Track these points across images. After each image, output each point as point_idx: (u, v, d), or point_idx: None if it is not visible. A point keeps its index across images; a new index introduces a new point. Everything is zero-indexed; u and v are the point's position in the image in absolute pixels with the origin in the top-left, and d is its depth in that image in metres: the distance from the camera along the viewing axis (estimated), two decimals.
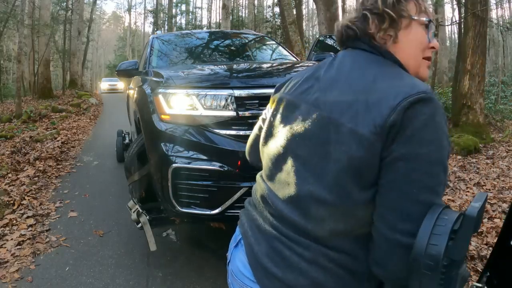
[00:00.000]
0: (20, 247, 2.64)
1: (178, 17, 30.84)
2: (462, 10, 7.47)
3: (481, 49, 6.39)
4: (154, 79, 2.23)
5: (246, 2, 30.14)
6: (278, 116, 0.80)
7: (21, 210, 3.32)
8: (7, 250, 2.58)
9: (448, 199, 3.58)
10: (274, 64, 2.72)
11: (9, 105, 13.41)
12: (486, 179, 4.21)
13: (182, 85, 2.00)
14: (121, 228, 2.97)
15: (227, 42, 3.69)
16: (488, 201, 3.37)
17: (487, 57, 12.22)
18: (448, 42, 27.20)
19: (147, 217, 2.10)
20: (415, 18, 0.73)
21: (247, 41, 3.75)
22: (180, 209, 1.88)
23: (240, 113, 1.89)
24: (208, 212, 1.86)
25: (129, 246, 2.66)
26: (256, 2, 28.04)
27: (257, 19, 24.91)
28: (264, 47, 3.70)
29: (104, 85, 23.51)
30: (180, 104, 1.95)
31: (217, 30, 9.21)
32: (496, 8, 24.56)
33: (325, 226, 0.68)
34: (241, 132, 1.88)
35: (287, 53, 3.49)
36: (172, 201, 1.88)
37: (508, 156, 5.30)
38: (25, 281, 2.23)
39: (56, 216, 3.24)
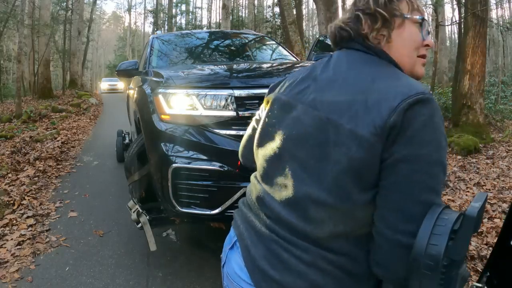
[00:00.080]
0: (20, 247, 2.64)
1: (178, 17, 30.86)
2: (462, 10, 7.47)
3: (481, 49, 6.39)
4: (154, 79, 2.23)
5: (246, 2, 30.15)
6: (273, 117, 0.80)
7: (21, 210, 3.32)
8: (7, 250, 2.58)
9: (448, 199, 3.58)
10: (274, 64, 2.72)
11: (9, 105, 13.41)
12: (486, 179, 4.21)
13: (182, 85, 2.00)
14: (121, 228, 2.97)
15: (227, 42, 3.69)
16: (488, 201, 3.37)
17: (487, 57, 12.22)
18: (448, 42, 27.21)
19: (147, 217, 2.10)
20: (408, 16, 0.73)
21: (247, 41, 3.75)
22: (180, 209, 1.88)
23: (240, 113, 1.89)
24: (208, 212, 1.86)
25: (129, 246, 2.66)
26: (256, 2, 28.04)
27: (257, 19, 24.92)
28: (264, 47, 3.70)
29: (104, 85, 23.51)
30: (180, 104, 1.95)
31: (217, 30, 9.21)
32: (496, 8, 24.58)
33: (324, 228, 0.67)
34: (241, 132, 1.88)
35: (287, 53, 3.49)
36: (172, 201, 1.88)
37: (508, 156, 5.30)
38: (25, 281, 2.23)
39: (56, 216, 3.24)
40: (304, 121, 0.71)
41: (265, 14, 27.02)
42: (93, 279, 2.25)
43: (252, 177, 0.87)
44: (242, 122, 1.90)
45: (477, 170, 4.65)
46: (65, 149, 6.02)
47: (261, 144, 0.82)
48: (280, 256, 0.70)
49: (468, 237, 0.59)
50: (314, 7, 7.86)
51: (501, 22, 14.95)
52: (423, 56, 0.78)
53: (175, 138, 1.91)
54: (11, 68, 23.28)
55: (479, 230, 2.02)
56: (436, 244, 0.56)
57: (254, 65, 2.62)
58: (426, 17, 0.77)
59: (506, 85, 14.10)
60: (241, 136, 1.85)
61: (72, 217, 3.22)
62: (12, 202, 3.45)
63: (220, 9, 18.03)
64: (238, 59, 3.39)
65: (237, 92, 1.91)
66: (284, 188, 0.72)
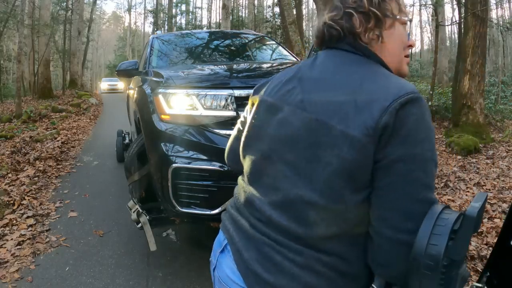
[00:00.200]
0: (20, 247, 2.64)
1: (178, 17, 30.85)
2: (462, 10, 7.47)
3: (481, 49, 6.39)
4: (154, 79, 2.23)
5: (246, 2, 30.15)
6: (260, 119, 0.79)
7: (21, 210, 3.32)
8: (7, 250, 2.58)
9: (448, 199, 3.58)
10: (274, 64, 2.72)
11: (9, 105, 13.41)
12: (486, 179, 4.21)
13: (182, 85, 2.00)
14: (121, 228, 2.97)
15: (227, 42, 3.69)
16: (488, 201, 3.37)
17: (487, 57, 12.23)
18: (448, 42, 27.21)
19: (147, 217, 2.10)
20: (398, 17, 0.74)
21: (247, 41, 3.75)
22: (180, 209, 1.88)
23: (240, 113, 1.89)
24: (208, 212, 1.86)
25: (129, 246, 2.66)
26: (256, 2, 28.04)
27: (257, 19, 24.91)
28: (264, 47, 3.70)
29: (104, 85, 23.50)
30: (180, 104, 1.95)
31: (217, 30, 9.21)
32: (496, 8, 24.57)
33: (316, 229, 0.67)
34: None
35: (287, 53, 3.49)
36: (172, 201, 1.88)
37: (508, 156, 5.30)
38: (25, 281, 2.23)
39: (56, 216, 3.24)
40: (292, 122, 0.70)
41: (265, 14, 27.02)
42: (93, 279, 2.25)
43: (239, 179, 0.86)
44: None
45: (477, 170, 4.64)
46: (65, 149, 6.02)
47: (248, 146, 0.81)
48: (273, 259, 0.70)
49: (468, 237, 0.59)
50: (314, 7, 7.86)
51: (501, 22, 14.96)
52: (407, 56, 0.79)
53: (175, 138, 1.91)
54: (11, 68, 23.28)
55: (479, 230, 2.02)
56: (436, 244, 0.56)
57: (254, 65, 2.63)
58: (411, 19, 0.79)
59: (506, 85, 14.10)
60: None
61: (72, 217, 3.22)
62: (12, 202, 3.45)
63: (220, 9, 18.03)
64: (238, 59, 3.39)
65: (237, 92, 1.91)
66: (275, 191, 0.72)
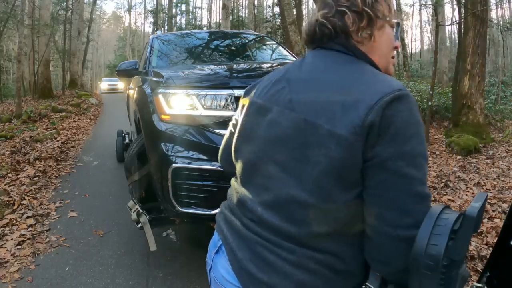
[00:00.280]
0: (20, 247, 2.64)
1: (178, 17, 30.83)
2: (462, 10, 7.47)
3: (481, 49, 6.39)
4: (154, 79, 2.23)
5: (246, 2, 30.15)
6: (250, 121, 0.80)
7: (21, 210, 3.32)
8: (7, 250, 2.58)
9: (448, 199, 3.58)
10: (274, 64, 2.72)
11: (9, 105, 13.41)
12: (486, 179, 4.21)
13: (182, 85, 2.00)
14: (121, 228, 2.97)
15: (227, 42, 3.69)
16: (488, 201, 3.37)
17: (487, 57, 12.23)
18: (448, 42, 27.21)
19: (147, 217, 2.10)
20: (388, 19, 0.75)
21: (247, 41, 3.75)
22: (180, 209, 1.88)
23: None
24: (208, 212, 1.86)
25: (129, 246, 2.66)
26: (256, 2, 28.04)
27: (257, 19, 24.91)
28: (264, 47, 3.70)
29: (104, 85, 23.49)
30: (180, 104, 1.95)
31: (217, 30, 9.21)
32: (496, 8, 24.57)
33: (308, 228, 0.68)
34: None
35: (287, 53, 3.49)
36: (172, 201, 1.88)
37: (508, 156, 5.30)
38: (25, 281, 2.23)
39: (56, 216, 3.24)
40: (281, 123, 0.71)
41: (265, 14, 27.02)
42: (93, 279, 2.25)
43: (232, 181, 0.87)
44: None
45: (477, 170, 4.65)
46: (65, 149, 6.02)
47: (239, 147, 0.82)
48: (266, 258, 0.70)
49: (468, 237, 0.59)
50: (314, 7, 7.85)
51: (501, 22, 14.96)
52: (393, 57, 0.82)
53: (175, 138, 1.91)
54: (11, 68, 23.28)
55: (479, 230, 2.02)
56: (436, 244, 0.56)
57: (254, 65, 2.63)
58: (400, 21, 0.80)
59: (506, 85, 14.10)
60: None
61: (72, 217, 3.22)
62: (12, 202, 3.45)
63: (220, 9, 18.03)
64: (238, 59, 3.39)
65: (237, 92, 1.91)
66: (266, 191, 0.72)
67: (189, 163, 1.86)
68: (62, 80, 20.21)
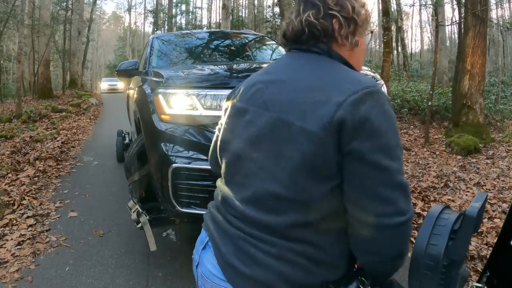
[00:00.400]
0: (20, 247, 2.64)
1: (178, 17, 30.81)
2: (462, 10, 7.47)
3: (481, 49, 6.39)
4: (154, 79, 2.23)
5: (246, 2, 30.13)
6: (230, 123, 0.85)
7: (21, 210, 3.32)
8: (7, 250, 2.58)
9: (448, 199, 3.58)
10: None
11: (9, 105, 13.40)
12: (486, 179, 4.21)
13: (182, 85, 2.00)
14: (121, 228, 2.96)
15: (227, 42, 3.69)
16: (488, 201, 3.37)
17: (487, 57, 12.22)
18: (448, 42, 27.20)
19: (147, 217, 2.10)
20: (366, 27, 0.81)
21: (247, 41, 3.75)
22: (180, 209, 1.88)
23: None
24: None
25: (129, 246, 2.66)
26: (256, 2, 28.03)
27: (257, 19, 24.90)
28: (264, 47, 3.70)
29: (104, 85, 23.48)
30: (180, 104, 1.95)
31: (217, 30, 9.21)
32: (496, 8, 24.54)
33: (286, 219, 0.70)
34: None
35: None
36: (172, 201, 1.88)
37: (508, 156, 5.30)
38: (25, 281, 2.23)
39: (56, 216, 3.24)
40: (257, 122, 0.75)
41: (265, 14, 27.00)
42: (93, 279, 2.25)
43: (218, 181, 0.91)
44: None
45: (477, 170, 4.64)
46: (65, 149, 6.02)
47: (222, 149, 0.87)
48: (248, 251, 0.73)
49: (468, 237, 0.59)
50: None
51: (501, 22, 14.95)
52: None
53: (175, 138, 1.91)
54: (11, 68, 23.27)
55: (479, 230, 2.02)
56: (436, 244, 0.57)
57: (254, 65, 2.62)
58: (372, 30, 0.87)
59: (506, 85, 14.10)
60: None
61: (72, 217, 3.22)
62: (12, 202, 3.45)
63: (220, 9, 18.02)
64: (238, 59, 3.39)
65: None
66: (244, 188, 0.76)
67: (189, 163, 1.86)
68: (62, 80, 20.21)
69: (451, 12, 34.07)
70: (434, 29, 10.83)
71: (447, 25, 22.80)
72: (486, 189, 3.89)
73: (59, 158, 5.33)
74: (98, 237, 2.81)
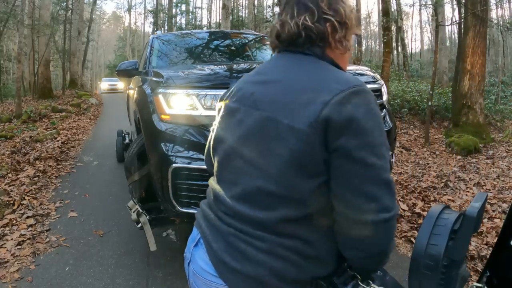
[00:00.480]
0: (20, 247, 2.64)
1: (178, 17, 30.80)
2: (462, 10, 7.47)
3: (481, 49, 6.39)
4: (154, 79, 2.23)
5: (246, 2, 30.13)
6: (222, 123, 0.87)
7: (21, 210, 3.32)
8: (7, 250, 2.58)
9: (448, 199, 3.58)
10: None
11: (9, 105, 13.40)
12: (486, 179, 4.21)
13: (182, 85, 2.00)
14: (121, 228, 2.96)
15: (227, 42, 3.69)
16: (488, 201, 3.37)
17: (487, 57, 12.22)
18: (448, 42, 27.19)
19: (147, 217, 2.10)
20: (355, 30, 0.83)
21: (247, 41, 3.75)
22: (180, 209, 1.88)
23: None
24: None
25: (129, 246, 2.66)
26: (256, 2, 28.02)
27: (257, 19, 24.89)
28: (264, 47, 3.70)
29: (104, 85, 23.47)
30: (180, 104, 1.95)
31: (217, 30, 9.21)
32: (496, 8, 24.54)
33: (276, 213, 0.72)
34: None
35: None
36: (172, 201, 1.88)
37: (508, 156, 5.30)
38: (25, 281, 2.23)
39: (56, 216, 3.24)
40: (247, 121, 0.77)
41: (265, 14, 27.00)
42: (93, 279, 2.25)
43: (210, 180, 0.93)
44: None
45: (477, 170, 4.65)
46: (65, 149, 6.02)
47: (215, 148, 0.89)
48: (239, 247, 0.75)
49: (468, 237, 0.59)
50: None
51: (501, 22, 14.94)
52: None
53: (175, 138, 1.91)
54: (11, 68, 23.27)
55: (479, 230, 2.02)
56: (436, 244, 0.57)
57: (254, 65, 2.62)
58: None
59: (506, 85, 14.10)
60: None
61: (72, 217, 3.22)
62: (12, 202, 3.45)
63: (220, 9, 18.02)
64: (238, 59, 3.39)
65: None
66: (235, 185, 0.78)
67: (189, 163, 1.86)
68: (62, 80, 20.20)
69: (451, 12, 34.06)
70: (434, 29, 10.83)
71: (447, 25, 22.80)
72: (486, 189, 3.89)
73: (59, 158, 5.33)
74: (98, 237, 2.81)
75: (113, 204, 3.54)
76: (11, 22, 12.65)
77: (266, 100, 0.76)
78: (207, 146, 1.00)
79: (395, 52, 20.42)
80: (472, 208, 0.58)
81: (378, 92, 2.27)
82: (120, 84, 21.12)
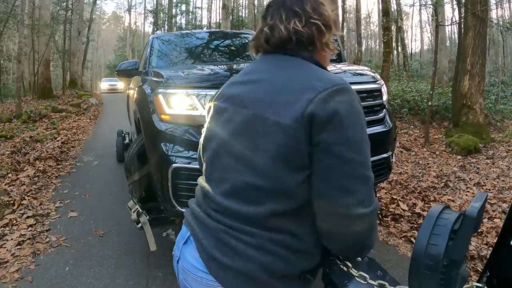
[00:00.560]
0: (20, 247, 2.64)
1: (178, 17, 30.79)
2: (462, 10, 7.47)
3: (481, 49, 6.39)
4: (154, 79, 2.23)
5: (246, 2, 30.14)
6: (212, 122, 0.89)
7: (21, 210, 3.32)
8: (7, 250, 2.58)
9: (448, 199, 3.58)
10: None
11: (9, 105, 13.40)
12: (486, 179, 4.21)
13: (182, 85, 2.00)
14: (121, 228, 2.97)
15: (227, 42, 3.69)
16: (488, 201, 3.37)
17: (487, 57, 12.22)
18: (448, 42, 27.19)
19: (147, 217, 2.10)
20: (335, 31, 0.86)
21: (247, 41, 3.75)
22: (180, 209, 1.88)
23: None
24: None
25: (129, 246, 2.67)
26: (256, 2, 28.02)
27: (257, 19, 24.90)
28: None
29: (104, 85, 23.48)
30: (180, 104, 1.95)
31: (217, 30, 9.21)
32: (496, 8, 24.54)
33: (265, 208, 0.74)
34: None
35: None
36: (172, 201, 1.88)
37: (508, 156, 5.30)
38: (25, 281, 2.23)
39: (56, 216, 3.24)
40: (235, 120, 0.80)
41: None
42: (93, 279, 2.25)
43: (199, 179, 0.94)
44: None
45: (477, 170, 4.65)
46: (65, 149, 6.02)
47: (204, 147, 0.91)
48: (229, 243, 0.76)
49: (468, 237, 0.59)
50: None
51: (501, 22, 14.95)
52: None
53: (175, 138, 1.91)
54: (11, 68, 23.27)
55: (479, 230, 2.02)
56: (436, 244, 0.57)
57: None
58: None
59: (506, 85, 14.11)
60: None
61: (72, 217, 3.22)
62: (12, 202, 3.45)
63: (220, 9, 18.02)
64: (238, 59, 3.39)
65: None
66: (223, 182, 0.80)
67: (189, 163, 1.86)
68: (62, 80, 20.20)
69: (451, 12, 34.04)
70: (434, 29, 10.84)
71: (447, 25, 22.81)
72: (486, 189, 3.89)
73: (59, 158, 5.34)
74: (98, 237, 2.81)
75: (113, 204, 3.54)
76: (11, 22, 12.65)
77: (253, 99, 0.79)
78: (199, 147, 1.01)
79: (395, 52, 20.42)
80: (472, 208, 0.58)
81: (378, 92, 2.27)
82: (120, 84, 21.13)
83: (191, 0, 34.70)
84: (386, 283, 0.73)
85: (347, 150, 0.69)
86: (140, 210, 2.10)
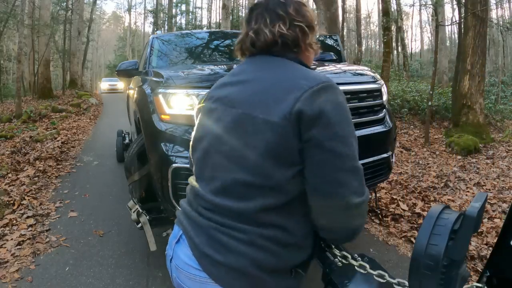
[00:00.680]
0: (20, 247, 2.64)
1: (178, 17, 30.80)
2: (462, 10, 7.47)
3: (481, 49, 6.39)
4: (154, 79, 2.23)
5: (246, 2, 30.13)
6: (201, 123, 0.92)
7: (21, 210, 3.32)
8: (7, 250, 2.58)
9: (448, 199, 3.58)
10: None
11: (9, 105, 13.40)
12: (486, 179, 4.21)
13: (182, 85, 2.00)
14: (121, 228, 2.97)
15: (227, 42, 3.69)
16: (488, 201, 3.37)
17: (487, 57, 12.22)
18: (448, 42, 27.19)
19: (147, 217, 2.10)
20: (316, 31, 0.90)
21: None
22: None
23: None
24: None
25: (129, 246, 2.66)
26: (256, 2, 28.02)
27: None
28: None
29: (104, 85, 23.46)
30: (180, 104, 1.95)
31: (217, 30, 9.21)
32: (496, 8, 24.54)
33: (256, 204, 0.76)
34: None
35: None
36: (172, 201, 1.88)
37: (508, 156, 5.30)
38: (25, 281, 2.23)
39: (56, 216, 3.24)
40: (224, 119, 0.82)
41: None
42: (93, 279, 2.25)
43: (190, 179, 0.95)
44: None
45: (477, 170, 4.65)
46: (65, 149, 6.02)
47: (194, 147, 0.93)
48: (221, 240, 0.77)
49: (468, 237, 0.59)
50: (314, 7, 7.87)
51: (501, 22, 14.95)
52: None
53: (175, 138, 1.91)
54: (11, 68, 23.27)
55: (479, 230, 2.02)
56: (436, 244, 0.57)
57: None
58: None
59: (506, 85, 14.11)
60: None
61: (72, 217, 3.22)
62: (12, 202, 3.45)
63: (220, 9, 18.02)
64: (238, 59, 3.38)
65: None
66: (213, 180, 0.82)
67: (189, 163, 1.86)
68: (62, 80, 20.20)
69: (451, 12, 34.03)
70: (434, 29, 10.83)
71: (447, 25, 22.80)
72: (486, 189, 3.89)
73: (59, 158, 5.33)
74: (98, 237, 2.81)
75: (113, 204, 3.54)
76: (11, 22, 12.65)
77: (242, 99, 0.81)
78: (190, 148, 1.02)
79: (395, 52, 20.42)
80: (472, 208, 0.58)
81: (378, 92, 2.27)
82: (120, 84, 21.12)
83: (191, 0, 34.70)
84: (386, 273, 0.74)
85: (338, 145, 0.72)
86: (140, 210, 2.10)
